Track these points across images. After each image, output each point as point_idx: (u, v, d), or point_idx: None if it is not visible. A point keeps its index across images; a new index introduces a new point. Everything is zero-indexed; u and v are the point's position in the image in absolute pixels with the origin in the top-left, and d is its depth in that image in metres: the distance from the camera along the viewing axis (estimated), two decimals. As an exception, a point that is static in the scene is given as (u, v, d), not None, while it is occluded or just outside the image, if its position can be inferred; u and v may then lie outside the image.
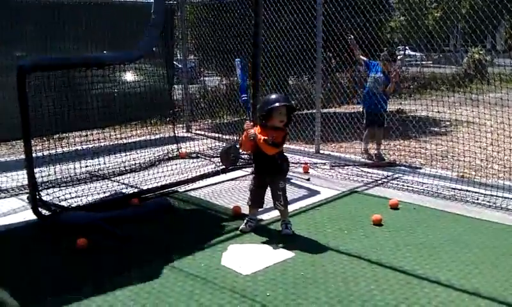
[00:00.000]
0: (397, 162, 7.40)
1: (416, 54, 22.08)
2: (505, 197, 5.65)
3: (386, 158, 7.54)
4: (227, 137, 9.26)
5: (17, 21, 7.12)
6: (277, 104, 4.48)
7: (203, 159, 7.81)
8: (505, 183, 6.10)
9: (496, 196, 5.69)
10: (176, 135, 8.41)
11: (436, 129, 10.60)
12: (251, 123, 4.73)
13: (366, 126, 7.68)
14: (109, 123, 7.59)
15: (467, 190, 5.96)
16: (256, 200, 4.85)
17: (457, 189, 6.03)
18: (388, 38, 12.67)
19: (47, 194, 5.63)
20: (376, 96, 7.36)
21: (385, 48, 8.17)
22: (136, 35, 5.46)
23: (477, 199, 5.67)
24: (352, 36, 7.65)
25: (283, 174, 4.77)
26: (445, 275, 3.85)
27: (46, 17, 7.58)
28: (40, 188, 5.32)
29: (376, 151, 7.64)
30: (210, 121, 11.30)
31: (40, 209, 5.03)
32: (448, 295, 3.56)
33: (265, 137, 4.51)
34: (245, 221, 4.88)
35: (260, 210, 5.01)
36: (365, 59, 7.78)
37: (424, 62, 20.53)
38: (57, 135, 7.69)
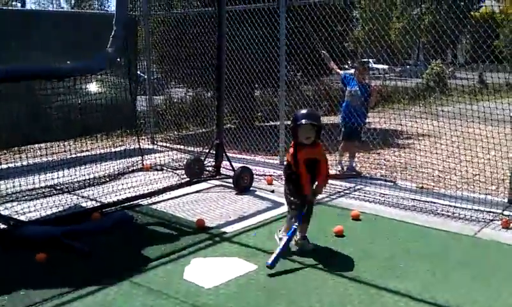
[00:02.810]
0: (360, 174, 7.52)
1: (379, 66, 22.51)
2: (463, 208, 5.80)
3: (359, 171, 7.61)
4: (192, 149, 9.22)
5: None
6: (303, 121, 4.40)
7: (167, 171, 7.76)
8: (463, 193, 6.26)
9: (455, 206, 5.84)
10: (140, 147, 8.33)
11: (397, 141, 10.81)
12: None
13: (342, 140, 7.73)
14: (70, 135, 7.47)
15: (426, 201, 6.10)
16: None
17: (416, 200, 6.16)
18: (352, 51, 12.88)
19: (5, 209, 5.50)
20: (354, 110, 7.43)
21: (352, 60, 8.31)
22: (102, 46, 5.42)
23: (436, 210, 5.81)
24: (325, 51, 7.78)
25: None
26: (404, 285, 3.93)
27: (9, 26, 7.44)
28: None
29: (348, 164, 7.68)
30: (176, 132, 11.25)
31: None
32: (406, 305, 3.63)
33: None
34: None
35: (222, 222, 5.00)
36: (340, 72, 7.88)
37: (386, 75, 20.95)
38: (16, 147, 7.53)
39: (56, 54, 7.54)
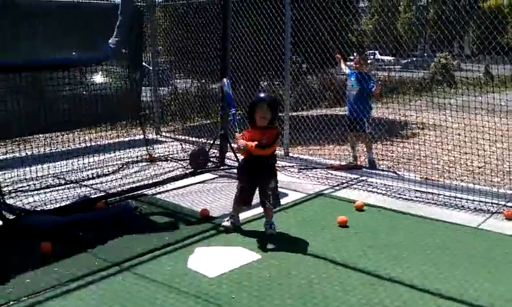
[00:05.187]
0: (363, 165, 7.51)
1: (385, 58, 22.39)
2: (468, 199, 5.79)
3: (377, 164, 7.57)
4: (196, 139, 9.23)
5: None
6: (256, 101, 4.72)
7: (172, 162, 7.77)
8: (468, 185, 6.25)
9: (460, 198, 5.82)
10: (146, 137, 8.35)
11: (402, 132, 10.79)
12: (241, 134, 4.74)
13: (346, 131, 7.78)
14: (76, 125, 7.48)
15: (431, 193, 6.09)
16: (245, 200, 4.90)
17: (421, 191, 6.15)
18: (357, 42, 12.83)
19: (11, 198, 5.53)
20: (354, 101, 7.43)
21: (358, 53, 8.31)
22: (107, 36, 5.43)
23: (440, 201, 5.79)
24: (339, 55, 7.78)
25: (274, 175, 4.83)
26: (407, 276, 3.93)
27: (16, 18, 7.43)
28: (4, 191, 5.22)
29: (367, 157, 7.61)
30: (181, 124, 11.25)
31: (3, 213, 4.95)
32: (410, 295, 3.64)
33: (256, 142, 4.59)
34: (228, 218, 4.97)
35: (226, 212, 5.03)
36: (347, 71, 7.85)
37: (392, 67, 20.84)
38: (22, 137, 7.54)
39: (66, 45, 7.53)
